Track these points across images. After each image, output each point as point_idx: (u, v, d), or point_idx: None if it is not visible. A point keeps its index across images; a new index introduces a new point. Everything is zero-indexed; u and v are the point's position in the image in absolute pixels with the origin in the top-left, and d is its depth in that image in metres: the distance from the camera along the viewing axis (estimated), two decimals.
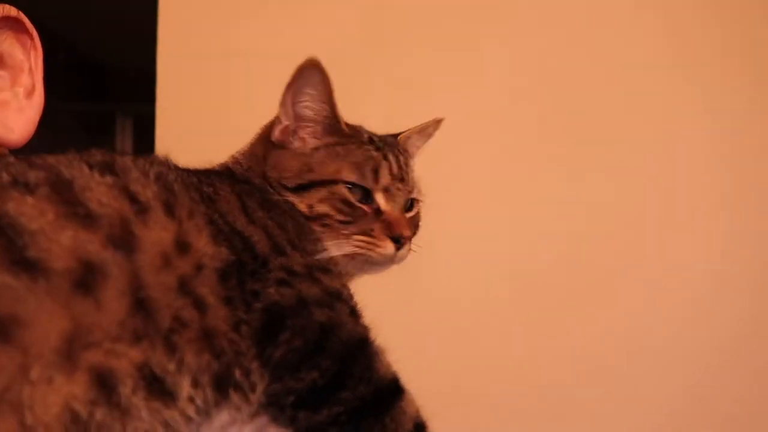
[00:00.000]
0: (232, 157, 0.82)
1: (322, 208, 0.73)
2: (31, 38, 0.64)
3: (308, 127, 0.78)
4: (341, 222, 0.73)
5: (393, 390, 0.57)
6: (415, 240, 0.83)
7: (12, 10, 0.62)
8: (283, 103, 0.78)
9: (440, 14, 1.70)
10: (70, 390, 0.41)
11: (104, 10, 2.27)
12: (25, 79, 0.64)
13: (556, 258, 1.62)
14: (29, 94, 0.64)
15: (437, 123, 0.90)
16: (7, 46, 0.62)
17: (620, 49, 1.67)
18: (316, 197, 0.74)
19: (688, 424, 1.59)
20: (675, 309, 1.61)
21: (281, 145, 0.79)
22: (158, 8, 1.73)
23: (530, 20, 1.69)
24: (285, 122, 0.78)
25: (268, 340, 0.53)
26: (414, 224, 0.84)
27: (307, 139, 0.78)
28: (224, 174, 0.77)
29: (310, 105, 0.77)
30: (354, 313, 0.60)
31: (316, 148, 0.78)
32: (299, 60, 0.76)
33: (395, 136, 0.88)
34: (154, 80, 1.74)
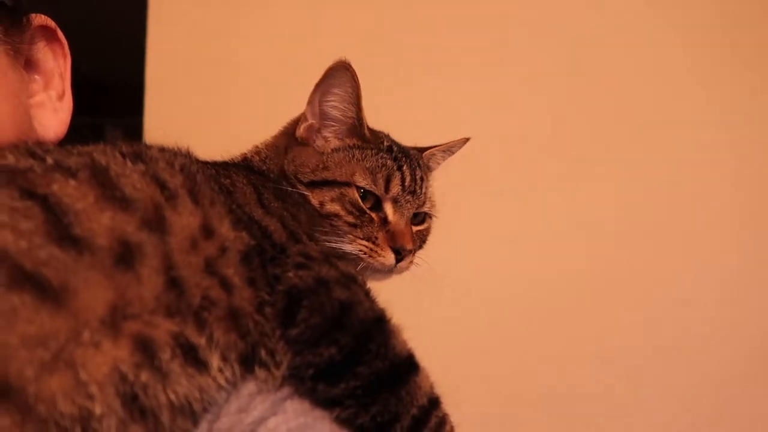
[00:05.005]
0: (255, 146, 0.85)
1: (333, 208, 0.76)
2: (62, 47, 0.68)
3: (332, 126, 0.81)
4: (349, 224, 0.76)
5: (408, 366, 0.59)
6: (421, 254, 0.84)
7: (48, 21, 0.66)
8: (310, 102, 0.81)
9: (435, 32, 1.71)
10: (117, 354, 0.45)
11: (94, 27, 2.34)
12: (56, 83, 0.67)
13: (572, 265, 1.63)
14: (60, 97, 0.67)
15: (463, 142, 0.93)
16: (41, 53, 0.66)
17: (634, 56, 1.68)
18: (329, 196, 0.76)
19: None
20: (695, 314, 1.62)
21: (304, 142, 0.81)
22: (147, 24, 1.77)
23: (538, 27, 1.71)
24: (310, 120, 0.81)
25: (290, 320, 0.56)
26: (420, 238, 0.85)
27: (330, 138, 0.81)
28: (240, 165, 0.79)
29: (336, 105, 0.80)
30: (369, 295, 0.62)
31: (336, 149, 0.80)
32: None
33: (422, 150, 0.90)
34: (143, 94, 1.79)
